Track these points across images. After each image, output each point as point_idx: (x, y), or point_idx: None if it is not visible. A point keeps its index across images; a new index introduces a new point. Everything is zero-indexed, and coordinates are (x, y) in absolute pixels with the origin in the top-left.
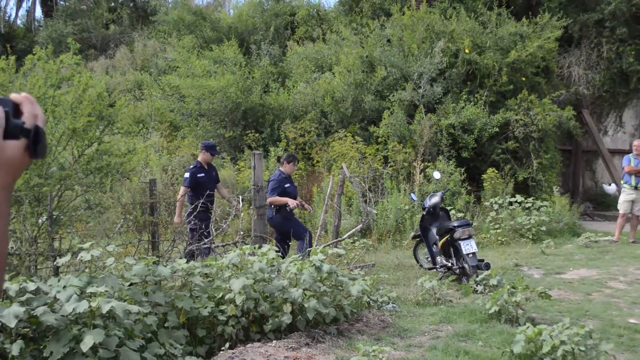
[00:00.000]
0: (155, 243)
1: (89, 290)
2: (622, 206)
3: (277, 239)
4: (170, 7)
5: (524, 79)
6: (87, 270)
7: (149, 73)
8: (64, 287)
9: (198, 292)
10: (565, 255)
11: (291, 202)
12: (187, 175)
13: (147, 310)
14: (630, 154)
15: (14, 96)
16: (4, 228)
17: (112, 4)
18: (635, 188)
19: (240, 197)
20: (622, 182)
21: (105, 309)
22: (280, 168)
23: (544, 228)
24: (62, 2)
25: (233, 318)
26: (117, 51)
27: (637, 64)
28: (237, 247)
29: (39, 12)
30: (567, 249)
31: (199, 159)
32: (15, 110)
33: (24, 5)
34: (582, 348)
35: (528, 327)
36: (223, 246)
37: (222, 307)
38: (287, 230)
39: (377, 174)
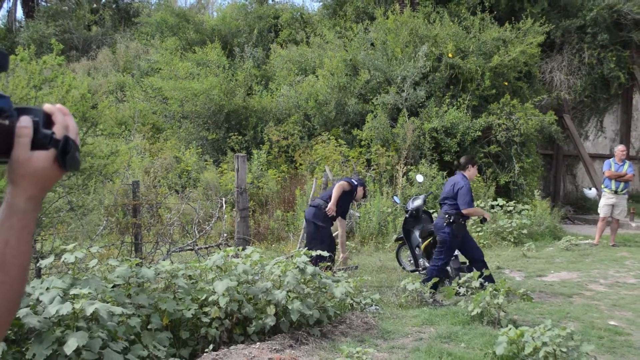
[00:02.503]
0: (138, 245)
1: (72, 292)
2: (602, 210)
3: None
4: (153, 8)
5: (506, 83)
6: (70, 272)
7: (132, 75)
8: (47, 289)
9: (182, 294)
10: (546, 258)
11: (487, 215)
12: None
13: (130, 312)
14: (611, 159)
15: (46, 106)
16: (30, 238)
17: (94, 5)
18: (615, 192)
19: (224, 199)
20: (602, 186)
21: (88, 310)
22: (464, 173)
23: (525, 231)
24: (43, 3)
25: (217, 320)
26: (99, 53)
27: (617, 70)
28: (220, 249)
29: (20, 13)
30: (548, 252)
31: None
32: (46, 120)
33: (5, 5)
34: (564, 349)
35: (510, 329)
36: (206, 248)
37: (206, 309)
38: (454, 246)
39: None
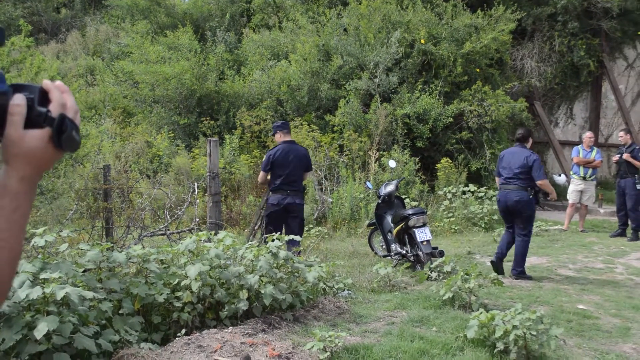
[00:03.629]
0: (109, 229)
1: (42, 276)
2: (571, 196)
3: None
4: None
5: (478, 70)
6: (40, 256)
7: (102, 58)
8: (17, 273)
9: (153, 279)
10: None
11: (554, 194)
12: None
13: (101, 297)
14: (579, 146)
15: (44, 83)
16: (23, 221)
17: None
18: (584, 178)
19: (196, 184)
20: (571, 172)
21: (59, 295)
22: (526, 145)
23: (496, 217)
24: None
25: (189, 304)
26: (68, 35)
27: (587, 58)
28: (192, 234)
29: None
30: None
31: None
32: (43, 98)
33: None
34: (534, 332)
35: (481, 313)
36: (178, 233)
37: (178, 294)
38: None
39: (333, 162)
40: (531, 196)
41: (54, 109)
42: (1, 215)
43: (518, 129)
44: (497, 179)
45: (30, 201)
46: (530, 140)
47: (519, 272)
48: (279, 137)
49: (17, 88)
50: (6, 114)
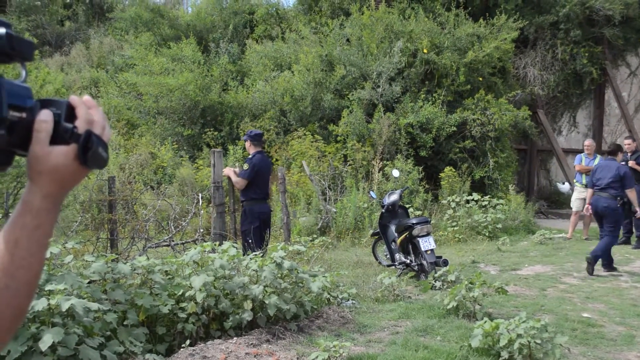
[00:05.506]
0: (113, 241)
1: (48, 287)
2: (574, 204)
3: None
4: (127, 4)
5: (480, 79)
6: (45, 268)
7: (106, 70)
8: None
9: (158, 290)
10: (520, 252)
11: (635, 205)
12: None
13: (106, 308)
14: (582, 154)
15: (72, 98)
16: (44, 240)
17: (68, 0)
18: (587, 186)
19: (200, 195)
20: (574, 180)
21: (64, 306)
22: (615, 158)
23: (500, 225)
24: None
25: (193, 315)
26: (72, 48)
27: (590, 66)
28: (197, 245)
29: None
30: (523, 246)
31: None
32: (70, 113)
33: None
34: (538, 341)
35: (485, 322)
36: (182, 244)
37: (183, 305)
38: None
39: (337, 172)
40: (619, 205)
41: (80, 125)
42: (22, 234)
43: (612, 144)
44: (589, 189)
45: (52, 220)
46: (620, 154)
47: (607, 265)
48: (254, 147)
49: (44, 103)
50: (32, 130)
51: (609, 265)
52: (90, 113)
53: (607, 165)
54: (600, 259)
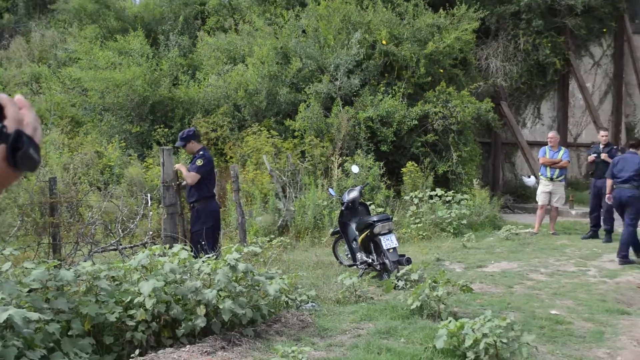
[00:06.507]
0: (56, 246)
1: None
2: (539, 198)
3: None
4: None
5: (442, 70)
6: None
7: (48, 65)
8: None
9: (104, 297)
10: (486, 249)
11: None
12: None
13: (48, 318)
14: (546, 146)
15: (1, 97)
16: None
17: None
18: (551, 179)
19: (149, 195)
20: (539, 174)
21: (2, 317)
22: (637, 152)
23: (464, 221)
24: None
25: (143, 323)
26: (12, 42)
27: (553, 56)
28: (146, 248)
29: None
30: (488, 242)
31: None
32: None
33: None
34: (504, 340)
35: (450, 322)
36: (131, 248)
37: (131, 312)
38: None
39: (297, 168)
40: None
41: (9, 125)
42: None
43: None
44: (608, 180)
45: None
46: None
47: (622, 257)
48: (199, 143)
49: None
50: None
51: (625, 257)
52: (21, 113)
53: (629, 159)
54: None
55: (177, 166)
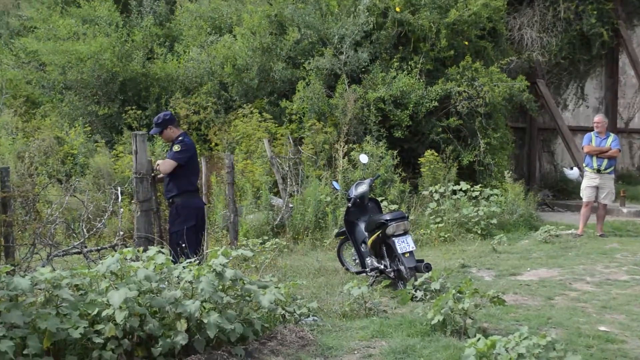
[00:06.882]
0: (9, 249)
1: None
2: (584, 193)
3: None
4: None
5: (467, 43)
6: None
7: None
8: None
9: (66, 309)
10: (520, 253)
11: None
12: None
13: (0, 334)
14: (592, 132)
15: None
16: None
17: None
18: (598, 171)
19: (120, 189)
20: (583, 165)
21: None
22: None
23: (494, 221)
24: None
25: (112, 340)
26: None
27: (599, 26)
28: (115, 251)
29: None
30: (523, 245)
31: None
32: None
33: None
34: None
35: (479, 340)
36: (98, 250)
37: (99, 327)
38: None
39: (300, 156)
40: None
41: None
42: None
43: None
44: None
45: None
46: None
47: None
48: (178, 129)
49: None
50: None
51: None
52: None
53: None
54: None
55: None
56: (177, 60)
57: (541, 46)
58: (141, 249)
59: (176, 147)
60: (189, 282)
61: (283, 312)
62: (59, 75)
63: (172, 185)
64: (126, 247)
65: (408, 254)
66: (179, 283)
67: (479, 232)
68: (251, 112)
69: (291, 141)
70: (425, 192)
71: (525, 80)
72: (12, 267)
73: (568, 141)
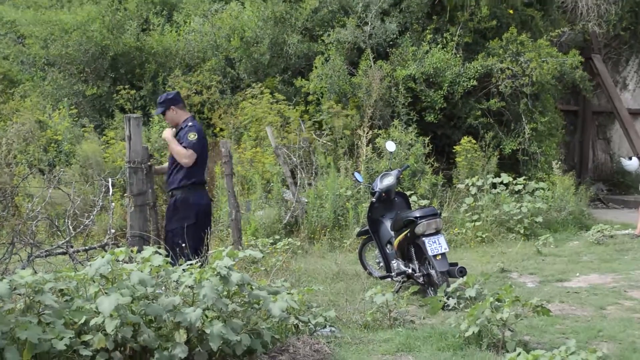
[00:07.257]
0: None
1: None
2: None
3: None
4: None
5: (511, 11)
6: None
7: None
8: None
9: (50, 317)
10: (569, 256)
11: None
12: None
13: None
14: None
15: None
16: None
17: None
18: None
19: (111, 180)
20: None
21: None
22: None
23: (540, 219)
24: None
25: (102, 353)
26: None
27: None
28: (106, 252)
29: None
30: (572, 247)
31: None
32: None
33: None
34: None
35: (519, 354)
36: (86, 251)
37: (86, 338)
38: None
39: (311, 146)
40: None
41: None
42: None
43: None
44: None
45: None
46: None
47: None
48: (184, 112)
49: None
50: None
51: None
52: None
53: None
54: None
55: (165, 134)
56: (176, 32)
57: (598, 15)
58: (135, 249)
59: (192, 136)
60: (189, 287)
61: (296, 321)
62: (40, 50)
63: (178, 176)
64: (118, 246)
65: (440, 257)
66: (177, 288)
67: (522, 231)
68: (261, 93)
69: (302, 126)
70: (461, 186)
71: (578, 55)
72: None
73: (627, 127)
